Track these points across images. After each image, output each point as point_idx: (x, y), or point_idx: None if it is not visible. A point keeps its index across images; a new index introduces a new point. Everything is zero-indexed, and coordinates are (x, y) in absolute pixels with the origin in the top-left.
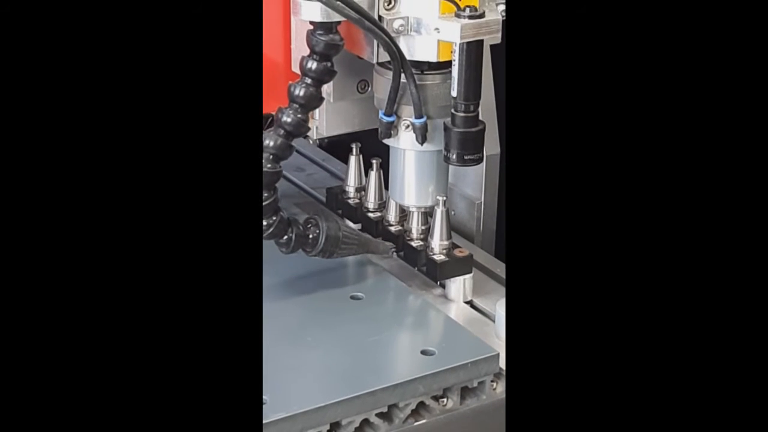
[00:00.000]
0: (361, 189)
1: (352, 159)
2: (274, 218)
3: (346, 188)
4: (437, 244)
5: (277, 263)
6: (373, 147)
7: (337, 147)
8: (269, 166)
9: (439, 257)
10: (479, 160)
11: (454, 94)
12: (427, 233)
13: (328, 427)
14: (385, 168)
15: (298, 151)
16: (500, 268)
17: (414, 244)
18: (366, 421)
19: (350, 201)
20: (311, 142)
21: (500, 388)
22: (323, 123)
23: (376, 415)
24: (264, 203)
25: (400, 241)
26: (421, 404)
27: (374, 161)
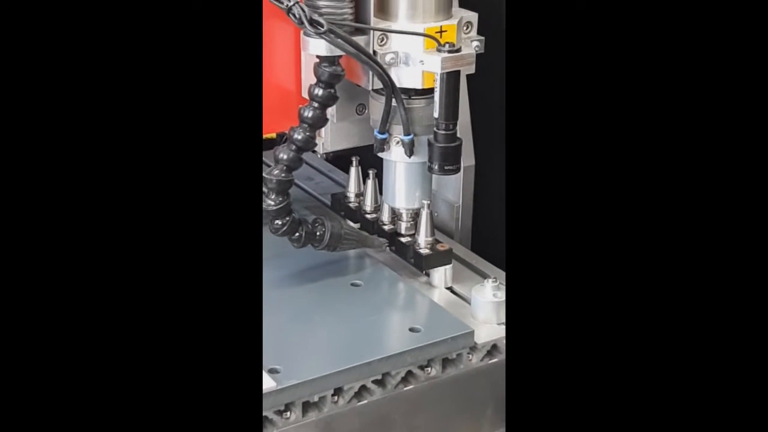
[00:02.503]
0: (360, 195)
1: (353, 170)
2: (287, 218)
3: (348, 194)
4: (423, 240)
5: (289, 257)
6: (370, 160)
7: (340, 160)
8: (283, 175)
9: (424, 251)
10: (457, 170)
11: (436, 115)
12: (414, 231)
13: (332, 391)
14: (379, 177)
15: (307, 164)
16: (475, 260)
17: (403, 240)
18: (363, 387)
19: (351, 205)
20: (319, 155)
21: (475, 359)
22: (328, 140)
23: (372, 381)
24: (279, 206)
25: (392, 237)
26: (410, 373)
27: (371, 172)
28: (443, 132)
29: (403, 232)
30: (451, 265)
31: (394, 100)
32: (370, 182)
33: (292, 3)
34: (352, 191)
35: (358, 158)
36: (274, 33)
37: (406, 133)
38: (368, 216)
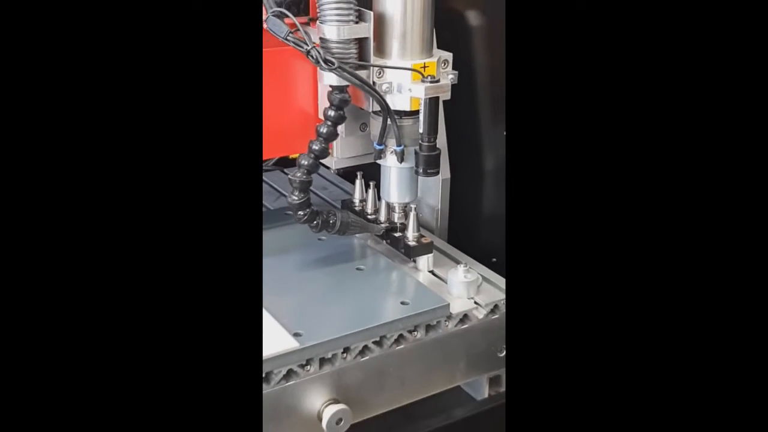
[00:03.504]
0: (363, 201)
1: (357, 182)
2: (307, 210)
3: (354, 200)
4: (411, 234)
5: (309, 248)
6: (370, 174)
7: (348, 174)
8: (304, 177)
9: (412, 243)
10: (437, 174)
11: (420, 131)
12: (404, 228)
13: (342, 350)
14: (378, 186)
15: (323, 177)
16: (451, 250)
17: (396, 234)
18: (366, 346)
19: (356, 208)
20: (332, 171)
21: (451, 325)
22: (338, 151)
23: (372, 342)
24: (301, 201)
25: (387, 233)
26: (401, 336)
27: (371, 183)
28: (426, 144)
29: (396, 221)
30: (432, 254)
31: (389, 119)
32: (370, 191)
33: (310, 47)
34: (357, 198)
35: (362, 172)
36: (297, 70)
37: (398, 145)
38: (369, 217)
